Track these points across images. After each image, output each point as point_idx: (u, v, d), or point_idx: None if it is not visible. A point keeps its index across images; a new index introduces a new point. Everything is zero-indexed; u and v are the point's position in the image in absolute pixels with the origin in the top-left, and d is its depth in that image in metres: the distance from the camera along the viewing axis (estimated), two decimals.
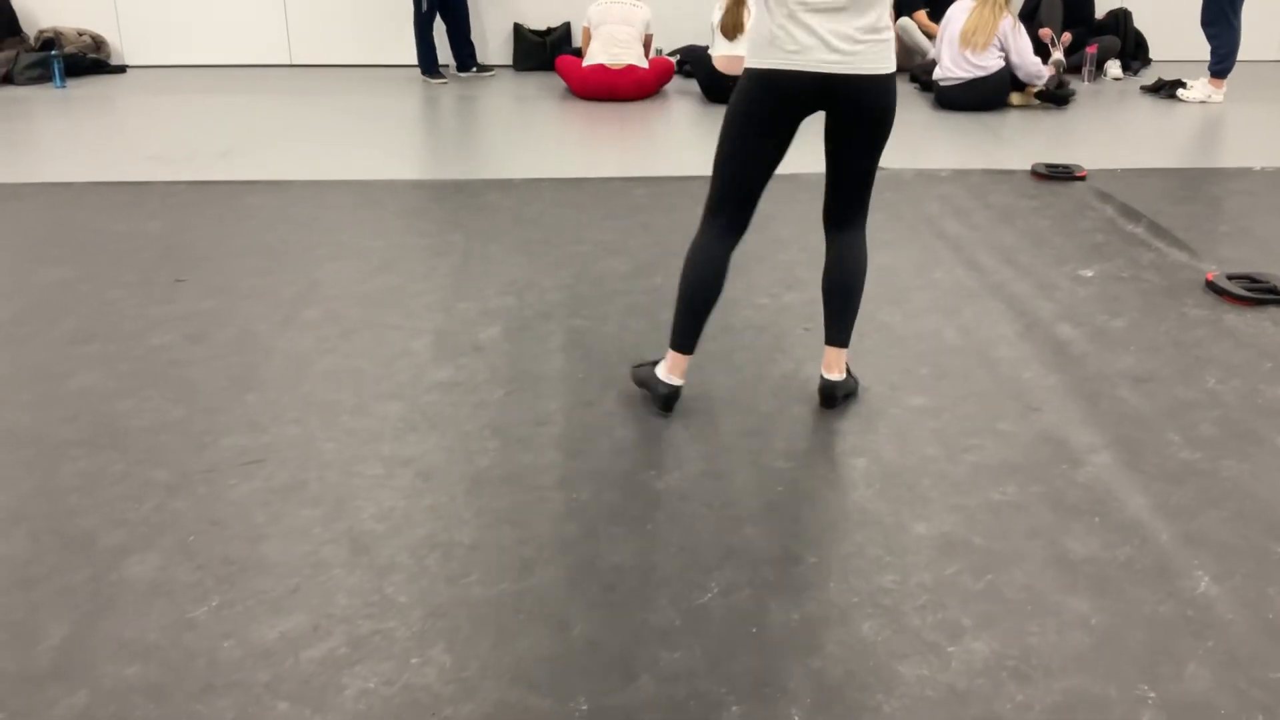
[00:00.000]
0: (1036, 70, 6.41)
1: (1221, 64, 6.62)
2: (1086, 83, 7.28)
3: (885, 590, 2.05)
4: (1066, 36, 7.22)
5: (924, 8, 7.48)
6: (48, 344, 3.11)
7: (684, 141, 5.97)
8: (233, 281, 3.58)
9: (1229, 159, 5.56)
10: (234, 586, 2.05)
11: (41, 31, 7.44)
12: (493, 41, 7.90)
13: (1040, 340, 3.16)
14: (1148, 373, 2.96)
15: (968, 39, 6.32)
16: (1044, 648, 1.90)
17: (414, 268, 3.73)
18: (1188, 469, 2.48)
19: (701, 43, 6.94)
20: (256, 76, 7.48)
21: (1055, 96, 6.53)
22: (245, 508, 2.30)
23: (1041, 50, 7.08)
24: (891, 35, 2.49)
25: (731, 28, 7.13)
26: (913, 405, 2.77)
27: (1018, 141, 5.78)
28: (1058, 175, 4.89)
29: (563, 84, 7.12)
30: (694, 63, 6.91)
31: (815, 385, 2.80)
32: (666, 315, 3.30)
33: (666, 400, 2.71)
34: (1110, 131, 6.06)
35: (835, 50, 2.39)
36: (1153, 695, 1.79)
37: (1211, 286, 3.53)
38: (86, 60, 7.42)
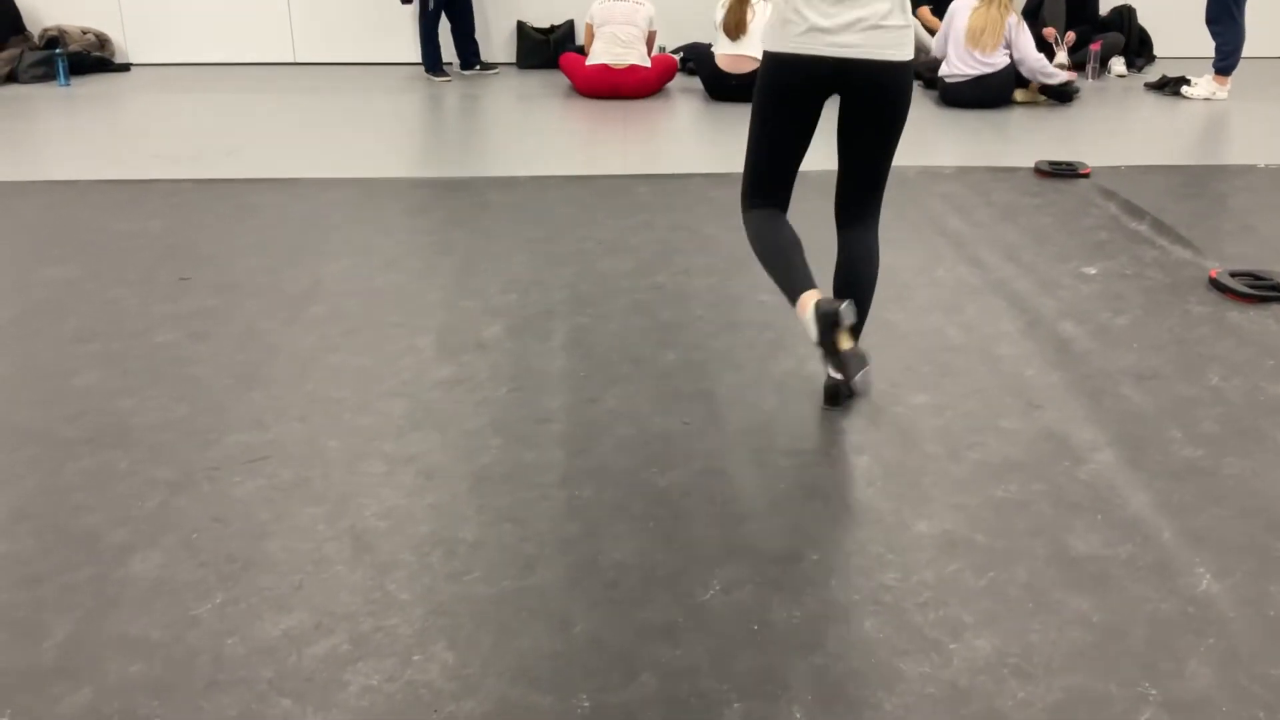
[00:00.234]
0: (1040, 66, 6.39)
1: (1226, 61, 6.61)
2: (1090, 80, 7.26)
3: (887, 588, 2.05)
4: (1070, 36, 7.21)
5: (927, 4, 7.46)
6: (52, 342, 3.11)
7: (687, 139, 5.97)
8: (237, 279, 3.59)
9: (1233, 156, 5.55)
10: (237, 584, 2.05)
11: (46, 30, 7.45)
12: (496, 39, 7.90)
13: (1043, 338, 3.16)
14: (1150, 370, 2.95)
15: (976, 38, 6.31)
16: (1045, 645, 1.90)
17: (417, 265, 3.74)
18: (1190, 466, 2.48)
19: (705, 40, 6.93)
20: (260, 74, 7.49)
21: (1059, 93, 6.52)
22: (248, 505, 2.31)
23: (1045, 49, 7.07)
24: (908, 20, 2.48)
25: (734, 26, 7.11)
26: (915, 403, 2.77)
27: (1021, 139, 5.77)
28: (1061, 172, 4.89)
29: (566, 82, 7.12)
30: (697, 60, 6.91)
31: (818, 383, 2.80)
32: (669, 313, 3.32)
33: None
34: (1114, 129, 6.05)
35: (849, 35, 2.39)
36: (1154, 693, 1.79)
37: (1215, 284, 3.53)
38: (91, 58, 7.43)
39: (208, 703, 1.76)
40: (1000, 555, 2.15)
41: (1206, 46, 6.69)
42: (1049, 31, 7.16)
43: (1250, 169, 5.08)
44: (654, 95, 6.90)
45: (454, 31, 7.34)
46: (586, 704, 1.76)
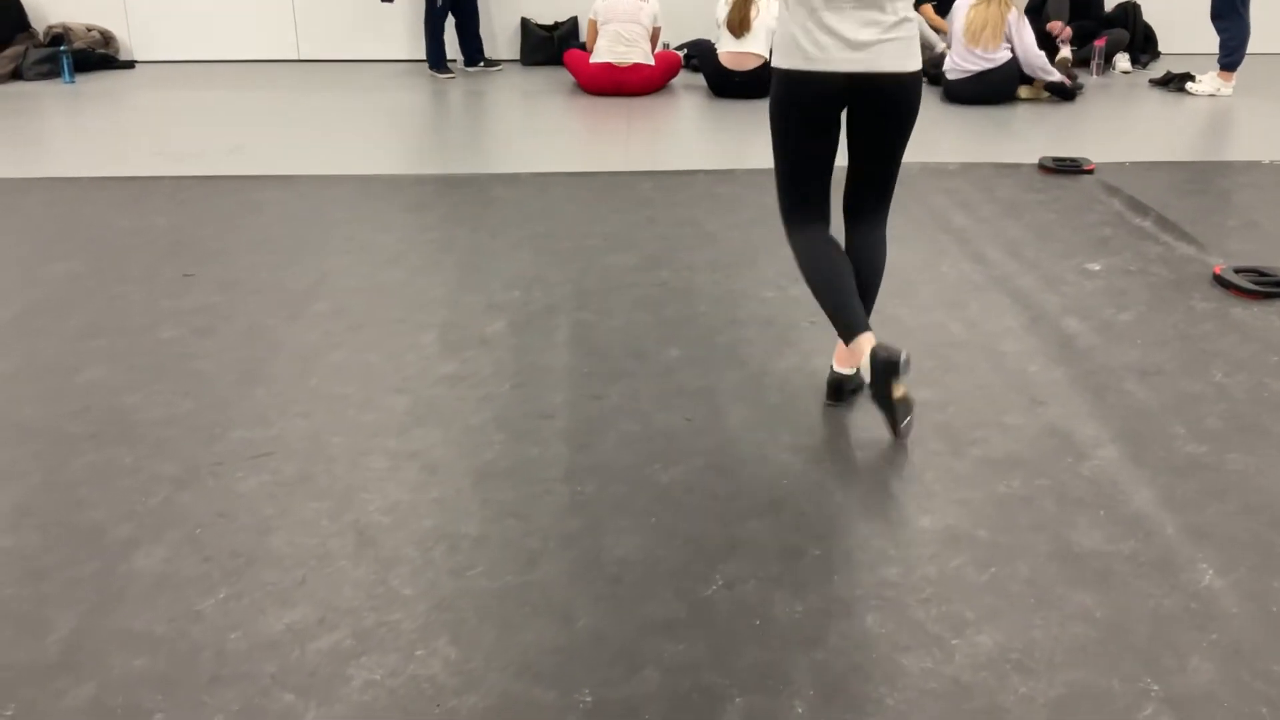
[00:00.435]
0: (1040, 64, 6.38)
1: (1231, 57, 6.59)
2: (1095, 76, 7.25)
3: (889, 583, 2.06)
4: (1067, 30, 7.18)
5: (930, 1, 7.45)
6: (57, 338, 3.12)
7: (690, 135, 5.97)
8: (241, 276, 3.60)
9: (1238, 152, 5.54)
10: (241, 579, 2.06)
11: (50, 27, 7.47)
12: (500, 36, 7.90)
13: (1046, 334, 3.15)
14: (1154, 366, 2.95)
15: (975, 36, 6.30)
16: (1047, 641, 1.90)
17: (420, 262, 3.74)
18: (1193, 462, 2.48)
19: (708, 37, 6.93)
20: (264, 72, 7.50)
21: (1063, 90, 6.51)
22: (253, 500, 2.32)
23: (1049, 45, 7.06)
24: (915, 30, 2.48)
25: (738, 24, 7.07)
26: (918, 398, 2.76)
27: (1025, 135, 5.77)
28: (1065, 169, 4.88)
29: (570, 78, 7.12)
30: (701, 57, 6.91)
31: (820, 378, 2.80)
32: (672, 309, 3.32)
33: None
34: (1118, 125, 6.04)
35: (857, 48, 2.40)
36: (1156, 688, 1.79)
37: (1219, 280, 3.52)
38: (95, 56, 7.45)
39: (211, 697, 1.76)
40: (1003, 551, 2.15)
41: (1211, 42, 6.67)
42: (1053, 26, 7.15)
43: (1255, 165, 5.07)
44: (658, 92, 6.90)
45: (459, 28, 7.35)
46: (589, 699, 1.77)
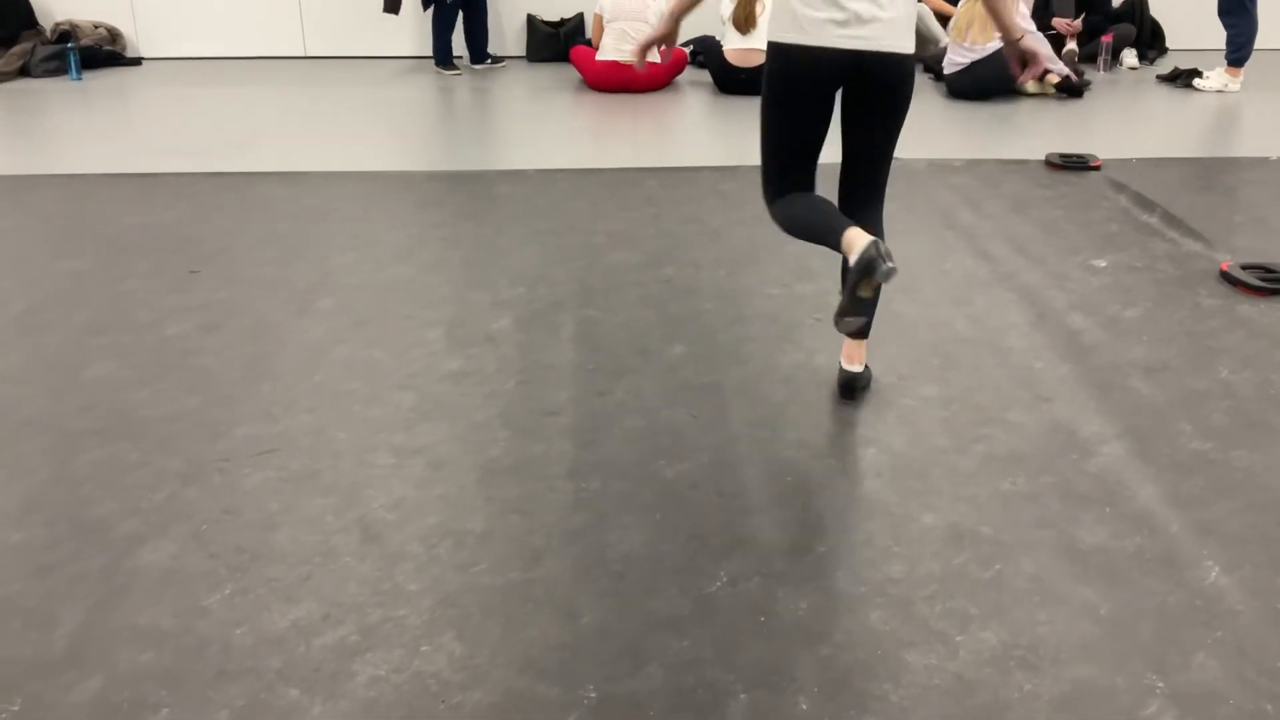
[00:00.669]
0: (1045, 52, 6.33)
1: (1238, 53, 6.57)
2: (1102, 72, 7.23)
3: (893, 580, 2.06)
4: (1076, 24, 7.15)
5: None
6: (63, 334, 3.13)
7: (696, 132, 5.97)
8: (247, 272, 3.61)
9: (1245, 148, 5.52)
10: (246, 575, 2.07)
11: (58, 24, 7.48)
12: (507, 33, 7.90)
13: (1052, 330, 3.15)
14: (1160, 363, 2.94)
15: (963, 33, 6.28)
16: (1052, 637, 1.90)
17: (426, 258, 3.75)
18: (1199, 459, 2.47)
19: (714, 33, 6.92)
20: (271, 68, 7.51)
21: (1070, 86, 6.49)
22: (258, 496, 2.32)
23: (1056, 40, 7.04)
24: (913, 12, 2.46)
25: (744, 20, 7.07)
26: (923, 395, 2.77)
27: (1032, 131, 5.75)
28: (1072, 165, 4.87)
29: (576, 75, 7.12)
30: (707, 54, 6.90)
31: (826, 375, 2.80)
32: (677, 306, 3.32)
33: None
34: (1126, 121, 6.02)
35: (853, 26, 2.37)
36: (1161, 685, 1.79)
37: (1226, 277, 3.51)
38: (102, 53, 7.46)
39: (216, 692, 1.77)
40: (1007, 547, 2.15)
41: (1219, 38, 6.64)
42: (1058, 22, 7.13)
43: (1262, 161, 5.05)
44: (663, 88, 6.89)
45: (466, 25, 7.35)
46: (593, 694, 1.77)
